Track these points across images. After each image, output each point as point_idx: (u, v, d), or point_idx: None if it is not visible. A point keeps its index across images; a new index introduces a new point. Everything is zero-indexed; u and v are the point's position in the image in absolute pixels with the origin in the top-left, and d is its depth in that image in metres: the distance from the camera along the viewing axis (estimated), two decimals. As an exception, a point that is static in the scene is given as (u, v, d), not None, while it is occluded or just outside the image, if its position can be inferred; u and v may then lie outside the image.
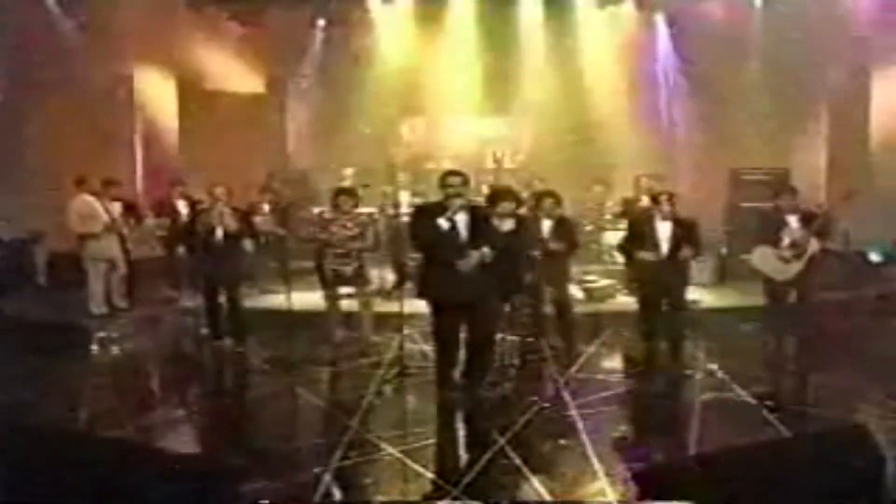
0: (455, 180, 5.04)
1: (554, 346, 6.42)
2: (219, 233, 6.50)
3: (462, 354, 5.23)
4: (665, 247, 6.00)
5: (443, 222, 4.94)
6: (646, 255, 6.02)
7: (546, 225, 6.41)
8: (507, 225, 5.88)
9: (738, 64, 10.78)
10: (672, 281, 6.03)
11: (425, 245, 5.13)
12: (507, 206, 5.96)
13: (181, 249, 7.96)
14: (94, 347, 6.91)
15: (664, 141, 11.17)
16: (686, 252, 5.97)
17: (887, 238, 8.71)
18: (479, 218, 5.13)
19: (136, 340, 7.13)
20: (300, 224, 9.30)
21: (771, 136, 10.40)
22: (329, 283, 6.50)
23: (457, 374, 5.25)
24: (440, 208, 5.02)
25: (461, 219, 5.00)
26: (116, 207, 7.96)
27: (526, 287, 6.16)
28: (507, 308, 6.08)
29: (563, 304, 6.54)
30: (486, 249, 4.96)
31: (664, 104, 11.53)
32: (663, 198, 6.13)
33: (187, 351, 6.99)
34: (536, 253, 6.21)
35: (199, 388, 6.01)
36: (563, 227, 6.44)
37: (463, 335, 5.17)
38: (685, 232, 6.03)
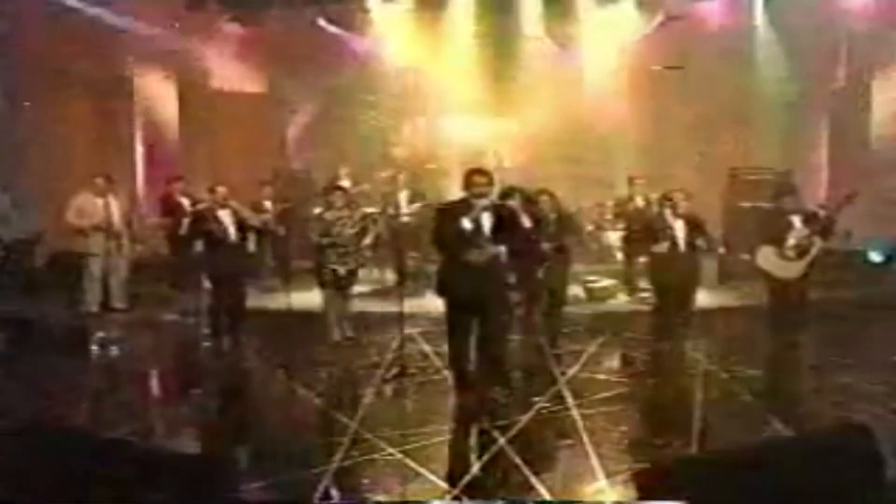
0: (481, 180, 4.99)
1: (555, 345, 6.41)
2: (219, 233, 6.50)
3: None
4: (681, 244, 6.09)
5: (467, 223, 4.90)
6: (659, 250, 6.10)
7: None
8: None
9: (739, 63, 10.78)
10: (687, 279, 6.11)
11: (448, 246, 5.05)
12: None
13: (182, 249, 7.94)
14: (95, 348, 6.89)
15: (663, 141, 11.15)
16: (700, 245, 6.08)
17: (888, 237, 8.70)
18: (502, 216, 5.09)
19: (135, 341, 7.10)
20: (304, 224, 9.27)
21: (772, 136, 10.39)
22: (328, 283, 6.49)
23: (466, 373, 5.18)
24: (464, 207, 4.97)
25: (485, 217, 4.97)
26: (117, 210, 7.94)
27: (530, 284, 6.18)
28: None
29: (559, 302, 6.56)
30: (502, 248, 4.99)
31: (663, 104, 11.49)
32: (678, 196, 6.19)
33: (187, 351, 6.95)
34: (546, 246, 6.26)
35: (198, 387, 5.96)
36: (561, 225, 6.45)
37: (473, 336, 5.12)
38: (697, 228, 6.11)
